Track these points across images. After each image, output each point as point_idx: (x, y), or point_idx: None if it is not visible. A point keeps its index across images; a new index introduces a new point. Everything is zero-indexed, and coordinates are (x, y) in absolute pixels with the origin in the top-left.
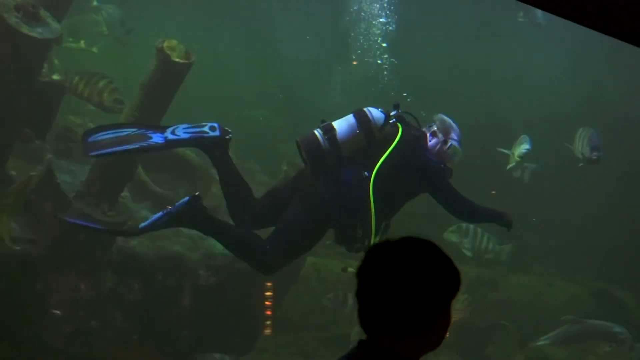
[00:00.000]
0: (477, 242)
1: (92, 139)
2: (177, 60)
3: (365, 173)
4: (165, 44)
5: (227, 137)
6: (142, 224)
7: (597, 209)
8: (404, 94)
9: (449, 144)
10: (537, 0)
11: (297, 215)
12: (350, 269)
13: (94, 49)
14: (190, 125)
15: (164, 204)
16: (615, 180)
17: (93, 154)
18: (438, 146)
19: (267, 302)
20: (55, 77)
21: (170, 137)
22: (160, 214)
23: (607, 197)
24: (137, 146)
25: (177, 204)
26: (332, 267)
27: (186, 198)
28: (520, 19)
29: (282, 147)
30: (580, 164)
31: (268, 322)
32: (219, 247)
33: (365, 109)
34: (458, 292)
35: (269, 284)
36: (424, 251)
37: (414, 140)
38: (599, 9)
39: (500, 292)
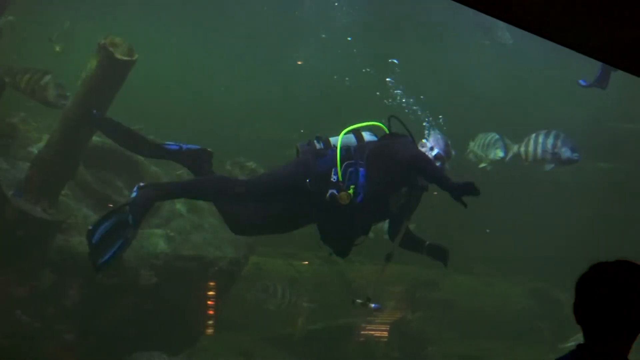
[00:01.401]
0: None
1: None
2: (119, 57)
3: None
4: (108, 40)
5: (208, 149)
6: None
7: (538, 211)
8: (414, 108)
9: (434, 151)
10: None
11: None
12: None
13: None
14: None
15: (105, 202)
16: (554, 182)
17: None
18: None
19: (208, 302)
20: None
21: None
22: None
23: (547, 199)
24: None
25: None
26: (274, 267)
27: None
28: (487, 42)
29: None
30: (550, 166)
31: (209, 322)
32: (160, 246)
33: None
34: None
35: (211, 283)
36: None
37: (400, 136)
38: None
39: (441, 292)
